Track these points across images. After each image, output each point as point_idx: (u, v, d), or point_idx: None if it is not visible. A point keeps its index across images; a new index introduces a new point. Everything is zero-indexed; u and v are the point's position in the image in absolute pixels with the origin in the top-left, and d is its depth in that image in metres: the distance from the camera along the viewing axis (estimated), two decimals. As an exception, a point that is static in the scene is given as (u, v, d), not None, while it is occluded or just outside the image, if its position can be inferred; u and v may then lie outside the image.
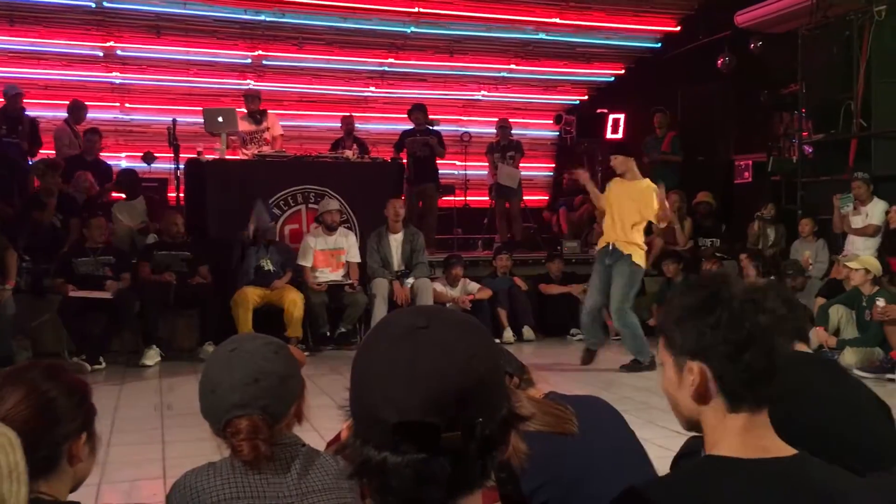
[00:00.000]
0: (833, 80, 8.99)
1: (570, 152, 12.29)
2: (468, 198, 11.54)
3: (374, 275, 7.85)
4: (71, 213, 8.15)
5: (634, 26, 11.50)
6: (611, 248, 6.59)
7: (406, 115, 10.26)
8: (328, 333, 7.84)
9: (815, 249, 8.52)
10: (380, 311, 7.47)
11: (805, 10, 8.87)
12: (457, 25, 10.95)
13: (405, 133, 10.10)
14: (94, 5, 9.73)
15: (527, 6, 10.82)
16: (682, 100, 11.45)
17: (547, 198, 13.10)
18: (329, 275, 7.91)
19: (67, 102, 9.64)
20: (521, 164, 10.89)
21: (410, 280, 7.93)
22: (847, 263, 7.06)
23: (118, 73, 10.92)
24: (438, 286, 8.33)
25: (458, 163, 11.75)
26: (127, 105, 11.31)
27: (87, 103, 9.73)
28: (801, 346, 2.31)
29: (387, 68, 11.70)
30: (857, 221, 8.09)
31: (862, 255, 7.29)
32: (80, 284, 7.00)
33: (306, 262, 7.85)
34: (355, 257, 8.03)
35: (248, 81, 11.03)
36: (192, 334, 7.59)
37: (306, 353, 7.42)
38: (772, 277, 7.82)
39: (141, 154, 9.83)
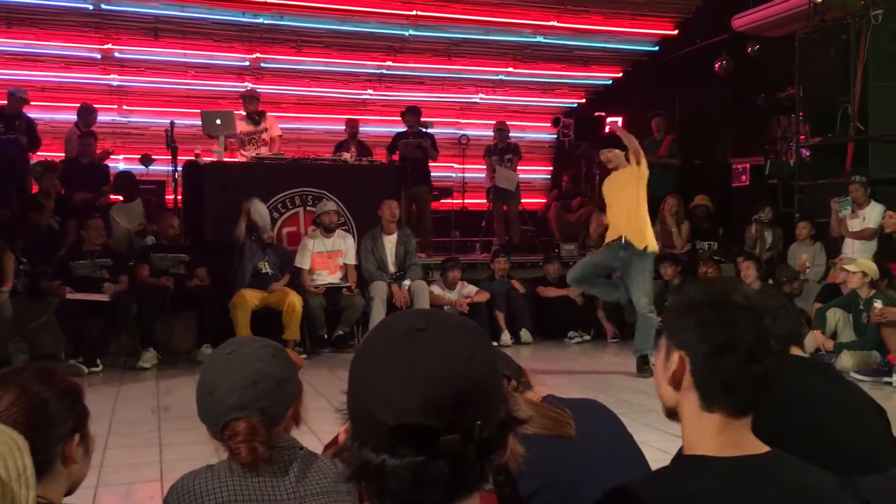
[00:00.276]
0: (830, 83, 9.01)
1: (568, 155, 12.30)
2: (466, 200, 11.55)
3: (372, 278, 7.85)
4: (69, 216, 8.14)
5: (632, 30, 11.51)
6: (624, 241, 6.52)
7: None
8: (326, 336, 7.84)
9: (813, 253, 8.53)
10: (378, 313, 7.47)
11: (802, 13, 8.89)
12: (455, 28, 10.96)
13: (398, 135, 10.11)
14: (91, 7, 9.73)
15: (524, 9, 10.83)
16: (679, 103, 11.46)
17: (545, 201, 13.11)
18: (327, 277, 7.91)
19: (65, 105, 9.63)
20: (518, 167, 10.89)
21: (407, 282, 7.93)
22: (845, 266, 7.07)
23: (116, 76, 10.91)
24: (436, 289, 8.34)
25: (455, 165, 11.77)
26: (125, 107, 11.30)
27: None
28: (796, 350, 2.31)
29: (385, 71, 11.71)
30: (854, 225, 8.10)
31: (859, 258, 7.30)
32: (78, 287, 6.99)
33: (304, 265, 7.85)
34: (353, 260, 8.03)
35: (247, 84, 11.03)
36: (189, 337, 7.58)
37: (304, 356, 7.42)
38: (769, 281, 7.84)
39: (139, 156, 9.82)
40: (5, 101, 8.97)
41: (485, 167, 11.05)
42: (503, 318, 8.38)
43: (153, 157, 9.59)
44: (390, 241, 8.08)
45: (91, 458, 1.64)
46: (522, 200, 10.98)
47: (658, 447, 1.94)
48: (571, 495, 1.69)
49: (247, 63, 11.09)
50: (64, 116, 10.69)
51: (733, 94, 10.70)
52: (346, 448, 0.92)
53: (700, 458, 1.29)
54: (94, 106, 9.63)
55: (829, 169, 9.13)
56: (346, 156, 9.02)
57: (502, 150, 10.66)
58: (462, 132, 11.71)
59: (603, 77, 12.63)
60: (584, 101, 13.02)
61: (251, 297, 7.39)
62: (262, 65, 11.16)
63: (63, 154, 9.36)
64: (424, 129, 9.99)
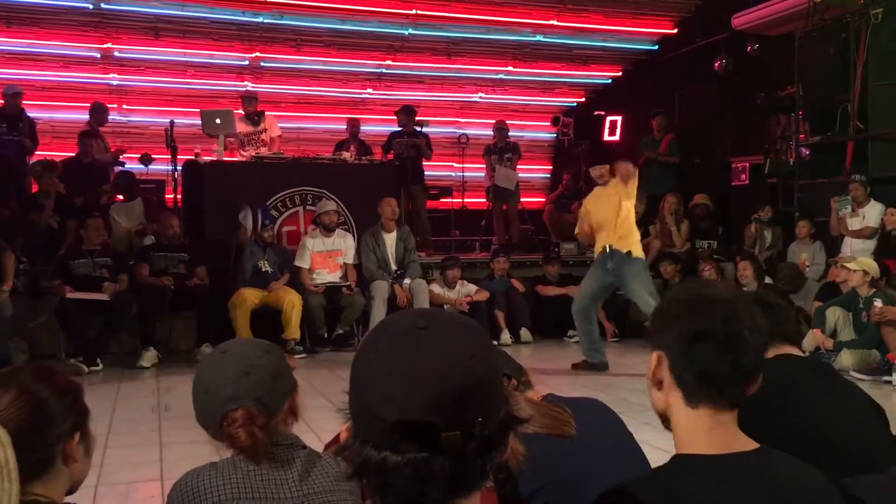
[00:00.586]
0: (830, 82, 9.01)
1: (568, 154, 12.30)
2: (466, 200, 11.55)
3: (373, 277, 7.85)
4: (68, 215, 8.14)
5: (632, 29, 11.51)
6: (608, 250, 6.56)
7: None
8: (326, 335, 7.84)
9: (812, 251, 8.53)
10: (378, 313, 7.47)
11: (802, 12, 8.89)
12: (454, 27, 10.96)
13: (393, 134, 10.11)
14: (91, 7, 9.72)
15: (524, 8, 10.83)
16: (679, 102, 11.46)
17: (544, 200, 13.11)
18: (326, 276, 7.91)
19: (65, 104, 9.62)
20: (518, 166, 10.90)
21: (407, 281, 7.94)
22: (845, 265, 7.07)
23: (116, 75, 10.91)
24: (436, 288, 8.34)
25: (455, 165, 11.77)
26: (124, 106, 11.30)
27: (83, 105, 9.73)
28: (793, 350, 2.31)
29: (384, 70, 11.71)
30: (854, 223, 8.10)
31: (859, 257, 7.30)
32: (78, 286, 6.99)
33: (304, 264, 7.85)
34: (353, 259, 8.03)
35: (246, 83, 11.04)
36: (189, 336, 7.59)
37: (304, 355, 7.43)
38: (766, 280, 7.84)
39: (138, 155, 9.83)
40: (2, 102, 8.95)
41: (484, 166, 11.06)
42: (503, 317, 8.38)
43: (153, 156, 9.58)
44: (391, 239, 8.09)
45: (92, 457, 1.65)
46: (522, 199, 10.98)
47: (658, 446, 1.94)
48: (572, 494, 1.70)
49: (246, 62, 11.09)
50: (64, 116, 10.72)
51: (733, 93, 10.70)
52: (347, 446, 0.93)
53: (691, 457, 1.31)
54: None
55: (828, 168, 9.13)
56: (346, 155, 9.03)
57: (502, 150, 10.66)
58: (461, 131, 11.71)
59: (602, 76, 12.63)
60: (583, 100, 13.03)
61: (251, 296, 7.39)
62: (262, 64, 11.16)
63: (62, 153, 9.36)
64: (419, 129, 9.98)
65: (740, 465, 1.28)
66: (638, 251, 6.57)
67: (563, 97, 13.07)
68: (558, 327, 8.59)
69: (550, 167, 13.62)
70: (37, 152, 9.35)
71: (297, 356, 7.40)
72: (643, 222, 9.31)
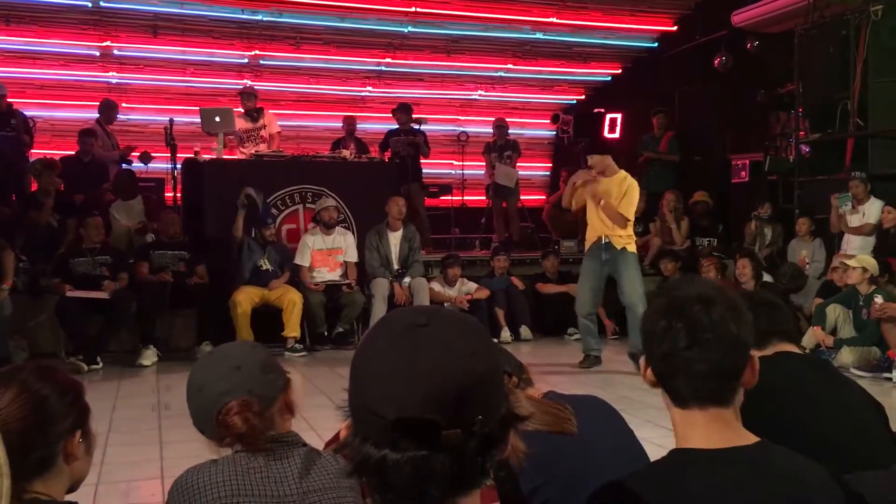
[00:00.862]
0: (830, 79, 9.00)
1: (568, 152, 12.29)
2: (465, 197, 11.54)
3: (375, 274, 7.85)
4: (68, 214, 8.13)
5: (631, 26, 11.51)
6: (604, 241, 6.56)
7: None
8: (326, 333, 7.84)
9: (812, 249, 8.53)
10: (379, 310, 7.46)
11: (802, 9, 8.88)
12: (454, 25, 10.95)
13: (390, 133, 10.09)
14: (90, 5, 9.71)
15: (524, 6, 10.82)
16: (678, 99, 11.45)
17: (544, 197, 13.11)
18: (327, 274, 7.91)
19: (64, 102, 9.59)
20: (518, 164, 10.89)
21: (407, 279, 7.94)
22: (845, 262, 7.07)
23: (115, 73, 10.90)
24: (436, 286, 8.34)
25: (455, 162, 11.76)
26: (124, 105, 11.26)
27: (83, 103, 9.72)
28: (790, 347, 2.31)
29: (384, 68, 11.70)
30: (854, 221, 8.10)
31: (859, 254, 7.30)
32: (78, 284, 6.99)
33: (304, 262, 7.85)
34: (353, 257, 8.02)
35: (246, 81, 11.01)
36: (189, 334, 7.58)
37: (304, 354, 7.44)
38: (766, 278, 7.84)
39: (138, 154, 9.81)
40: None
41: (484, 164, 11.05)
42: (503, 315, 8.38)
43: (152, 154, 9.58)
44: (395, 238, 8.08)
45: (92, 456, 1.65)
46: (522, 197, 10.97)
47: (659, 444, 1.94)
48: (573, 492, 1.69)
49: (246, 60, 11.08)
50: (63, 114, 10.71)
51: (733, 91, 10.69)
52: (347, 444, 0.92)
53: (690, 451, 1.32)
54: (93, 104, 9.62)
55: (828, 165, 9.13)
56: (346, 153, 9.02)
57: (502, 147, 10.66)
58: (461, 129, 11.70)
59: (602, 73, 12.62)
60: (583, 97, 13.02)
61: (251, 295, 7.39)
62: (261, 62, 11.15)
63: (61, 151, 9.34)
64: (417, 126, 9.97)
65: (740, 459, 1.28)
66: (632, 247, 6.60)
67: (563, 95, 13.06)
68: (558, 325, 8.60)
69: (550, 165, 13.62)
70: (36, 150, 9.34)
71: (297, 354, 7.41)
72: (643, 220, 9.33)
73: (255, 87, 9.68)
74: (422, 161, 10.12)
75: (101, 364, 6.82)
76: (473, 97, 12.71)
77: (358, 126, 10.58)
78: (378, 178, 8.78)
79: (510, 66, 12.09)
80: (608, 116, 11.58)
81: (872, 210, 7.96)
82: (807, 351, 6.49)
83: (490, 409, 0.90)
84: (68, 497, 1.58)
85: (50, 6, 9.70)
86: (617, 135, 11.39)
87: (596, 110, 11.77)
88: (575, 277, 8.52)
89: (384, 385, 0.88)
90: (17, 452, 1.32)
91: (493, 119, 11.25)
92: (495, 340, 7.13)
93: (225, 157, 8.54)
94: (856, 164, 8.61)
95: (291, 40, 10.79)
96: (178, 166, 8.66)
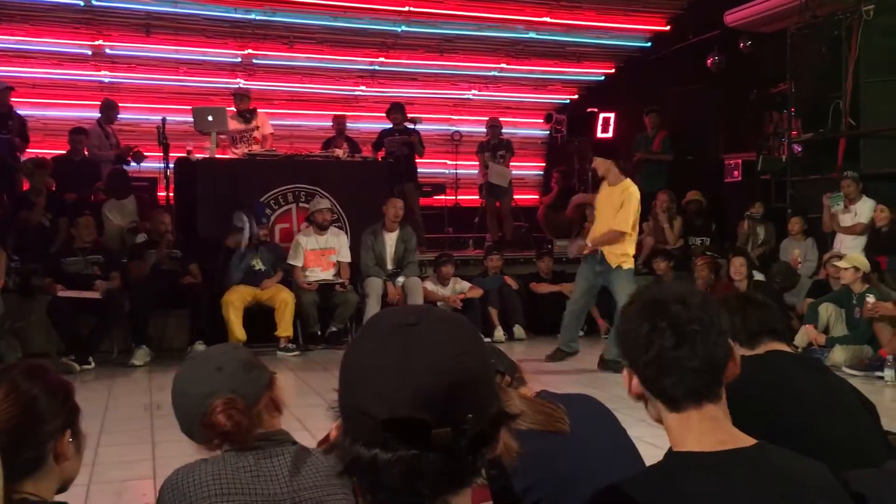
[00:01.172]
0: (822, 79, 9.03)
1: (561, 151, 12.31)
2: (459, 197, 11.55)
3: (368, 273, 7.84)
4: (60, 213, 8.10)
5: (624, 25, 11.52)
6: (599, 256, 6.57)
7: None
8: (319, 333, 7.83)
9: (805, 248, 8.56)
10: (372, 309, 7.46)
11: (794, 9, 8.90)
12: (447, 24, 10.94)
13: (384, 132, 10.07)
14: (82, 4, 9.67)
15: (517, 5, 10.82)
16: (671, 99, 11.47)
17: (538, 197, 13.13)
18: (320, 274, 7.90)
19: (56, 101, 9.54)
20: (511, 164, 10.90)
21: (401, 279, 7.93)
22: (836, 263, 7.09)
23: (107, 72, 10.87)
24: (429, 285, 8.34)
25: (448, 162, 11.76)
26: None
27: (75, 102, 9.68)
28: (780, 346, 2.31)
29: (377, 67, 11.69)
30: (846, 220, 8.13)
31: (850, 253, 7.33)
32: (69, 284, 6.96)
33: (297, 262, 7.84)
34: (346, 257, 8.02)
35: (239, 80, 11.01)
36: (182, 334, 7.57)
37: (297, 353, 7.43)
38: (758, 277, 7.85)
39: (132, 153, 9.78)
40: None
41: (477, 163, 11.05)
42: (496, 315, 8.38)
43: (145, 153, 9.55)
44: (391, 238, 8.07)
45: (83, 455, 1.64)
46: (515, 196, 10.99)
47: (651, 442, 1.94)
48: (566, 490, 1.69)
49: (239, 59, 11.06)
50: (55, 113, 10.67)
51: (725, 90, 10.72)
52: (337, 444, 0.92)
53: (688, 455, 1.31)
54: (85, 103, 9.60)
55: (820, 164, 9.16)
56: (339, 152, 9.00)
57: (495, 147, 10.66)
58: (455, 128, 11.70)
59: (595, 73, 12.64)
60: (576, 97, 13.04)
61: (243, 294, 7.37)
62: (255, 61, 11.13)
63: (53, 150, 9.30)
64: (411, 126, 9.96)
65: (740, 462, 1.28)
66: (629, 264, 6.54)
67: (557, 94, 13.08)
68: (552, 324, 8.57)
69: (543, 164, 13.63)
70: (29, 150, 9.31)
71: (290, 354, 7.39)
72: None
73: (249, 87, 9.67)
74: (417, 160, 10.11)
75: (93, 364, 6.79)
76: (467, 97, 12.71)
77: (352, 125, 10.57)
78: (371, 177, 8.77)
79: (503, 65, 12.09)
80: (601, 116, 11.59)
81: (864, 209, 7.98)
82: (799, 349, 6.52)
83: (481, 408, 0.90)
84: (59, 497, 1.57)
85: (42, 5, 9.65)
86: (610, 134, 11.41)
87: (589, 110, 11.79)
88: (569, 277, 8.55)
89: (374, 385, 0.88)
90: (6, 452, 1.32)
91: (487, 118, 11.26)
92: (488, 340, 7.14)
93: (218, 156, 8.52)
94: (848, 163, 8.64)
95: (285, 39, 10.77)
96: (171, 166, 8.64)
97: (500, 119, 11.21)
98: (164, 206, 8.49)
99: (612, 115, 11.60)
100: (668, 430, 1.37)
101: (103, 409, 5.33)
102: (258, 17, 10.31)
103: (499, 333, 8.22)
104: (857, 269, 6.71)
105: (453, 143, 11.24)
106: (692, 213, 9.72)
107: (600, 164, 6.66)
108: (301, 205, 8.33)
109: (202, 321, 7.30)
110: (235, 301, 7.29)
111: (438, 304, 7.92)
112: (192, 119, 8.56)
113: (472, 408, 0.88)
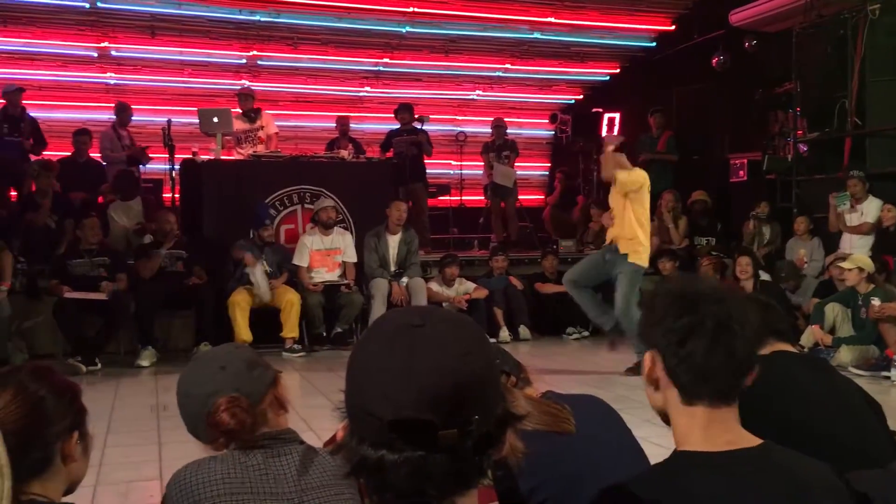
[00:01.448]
0: (828, 78, 9.02)
1: (566, 151, 12.30)
2: (464, 197, 11.55)
3: (373, 275, 7.85)
4: (65, 214, 8.12)
5: (629, 25, 11.51)
6: (613, 245, 6.55)
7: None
8: (324, 333, 7.83)
9: (811, 248, 8.54)
10: (378, 311, 7.46)
11: (799, 8, 8.90)
12: (452, 25, 10.95)
13: (392, 133, 10.08)
14: (88, 6, 9.70)
15: (522, 6, 10.82)
16: (676, 99, 11.46)
17: (543, 197, 13.12)
18: (325, 275, 7.90)
19: (62, 104, 9.57)
20: (516, 164, 10.89)
21: (405, 280, 7.94)
22: (840, 264, 7.07)
23: (113, 74, 10.90)
24: (434, 286, 8.34)
25: (453, 162, 11.76)
26: (122, 106, 11.28)
27: (81, 104, 9.70)
28: (785, 347, 2.31)
29: (382, 68, 11.70)
30: (852, 220, 8.11)
31: (856, 253, 7.31)
32: (76, 286, 6.97)
33: (302, 263, 7.84)
34: (352, 257, 8.02)
35: (243, 81, 11.02)
36: (187, 335, 7.58)
37: (302, 354, 7.43)
38: (764, 276, 7.84)
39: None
40: (3, 101, 8.93)
41: (482, 164, 11.05)
42: (501, 315, 8.38)
43: (150, 155, 9.57)
44: (394, 240, 8.07)
45: (90, 457, 1.64)
46: (520, 197, 10.98)
47: (657, 443, 1.94)
48: (572, 491, 1.69)
49: (243, 60, 11.08)
50: (61, 115, 10.70)
51: (731, 90, 10.70)
52: (344, 445, 0.92)
53: (694, 454, 1.30)
54: (91, 104, 9.62)
55: (826, 164, 9.14)
56: (344, 153, 9.01)
57: (500, 147, 10.66)
58: (459, 129, 11.70)
59: (600, 73, 12.63)
60: (581, 97, 13.03)
61: (249, 295, 7.38)
62: (259, 62, 11.15)
63: (59, 152, 9.33)
64: (420, 126, 9.96)
65: (746, 461, 1.28)
66: (637, 259, 6.41)
67: (561, 94, 13.07)
68: (557, 325, 8.59)
69: (548, 164, 13.63)
70: (44, 152, 9.32)
71: (295, 355, 7.40)
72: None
73: (253, 88, 9.68)
74: (425, 160, 10.11)
75: (99, 365, 6.81)
76: (471, 97, 12.71)
77: (357, 126, 10.58)
78: (376, 178, 8.77)
79: (508, 65, 12.09)
80: (606, 116, 11.59)
81: (871, 209, 7.97)
82: (805, 349, 6.51)
83: (487, 409, 0.90)
84: (66, 498, 1.57)
85: (47, 7, 9.68)
86: (615, 135, 11.40)
87: (594, 110, 11.79)
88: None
89: (380, 386, 0.88)
90: (14, 453, 1.32)
91: (492, 119, 11.25)
92: (494, 340, 7.07)
93: (223, 157, 8.54)
94: (854, 162, 8.62)
95: (289, 41, 10.78)
96: (177, 167, 8.65)
97: (505, 119, 11.21)
98: (170, 208, 8.51)
99: (617, 115, 11.60)
100: (674, 425, 1.36)
101: (109, 410, 5.34)
102: (263, 19, 10.33)
103: (504, 334, 8.22)
104: (861, 269, 6.69)
105: (458, 144, 11.24)
106: (697, 213, 9.71)
107: (609, 160, 6.57)
108: (306, 206, 8.33)
109: (207, 322, 7.31)
110: (242, 302, 7.30)
111: (444, 304, 7.92)
112: (197, 120, 8.57)
113: (478, 409, 0.88)
